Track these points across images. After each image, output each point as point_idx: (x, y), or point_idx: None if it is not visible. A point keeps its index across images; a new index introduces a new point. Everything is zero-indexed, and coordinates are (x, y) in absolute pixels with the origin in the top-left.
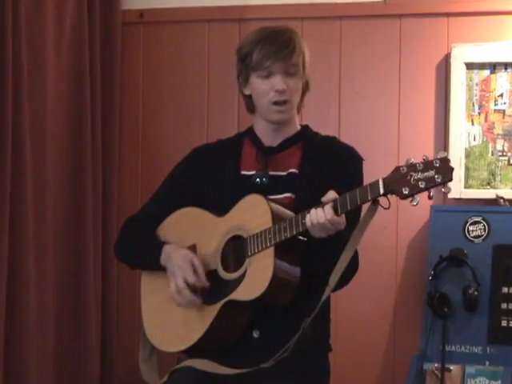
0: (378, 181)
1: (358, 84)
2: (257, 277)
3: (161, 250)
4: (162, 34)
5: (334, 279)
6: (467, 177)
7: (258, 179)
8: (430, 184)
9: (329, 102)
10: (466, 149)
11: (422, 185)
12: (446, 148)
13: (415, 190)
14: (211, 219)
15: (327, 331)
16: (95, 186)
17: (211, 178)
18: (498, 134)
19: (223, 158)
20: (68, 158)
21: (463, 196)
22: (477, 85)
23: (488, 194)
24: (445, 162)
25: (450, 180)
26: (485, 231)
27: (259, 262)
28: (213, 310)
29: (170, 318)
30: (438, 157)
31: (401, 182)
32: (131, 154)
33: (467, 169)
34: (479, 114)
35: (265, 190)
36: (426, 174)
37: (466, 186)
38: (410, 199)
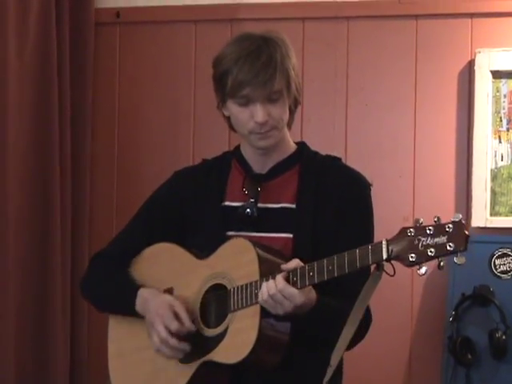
0: (380, 243)
1: (367, 95)
2: (239, 338)
3: (135, 295)
4: (141, 37)
5: (335, 358)
6: (494, 202)
7: (248, 209)
8: (441, 252)
9: (334, 116)
10: (492, 170)
11: (431, 253)
12: (469, 169)
13: (423, 259)
14: (191, 261)
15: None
16: (64, 207)
17: (192, 207)
18: None
19: (206, 185)
20: (33, 177)
21: (489, 225)
22: (505, 96)
23: None
24: (458, 227)
25: (464, 250)
26: None
27: (242, 321)
28: (188, 370)
29: (139, 372)
30: (452, 220)
31: (407, 247)
32: (105, 170)
33: (494, 193)
34: (508, 129)
35: (253, 224)
36: (436, 239)
37: (493, 214)
38: (416, 267)
